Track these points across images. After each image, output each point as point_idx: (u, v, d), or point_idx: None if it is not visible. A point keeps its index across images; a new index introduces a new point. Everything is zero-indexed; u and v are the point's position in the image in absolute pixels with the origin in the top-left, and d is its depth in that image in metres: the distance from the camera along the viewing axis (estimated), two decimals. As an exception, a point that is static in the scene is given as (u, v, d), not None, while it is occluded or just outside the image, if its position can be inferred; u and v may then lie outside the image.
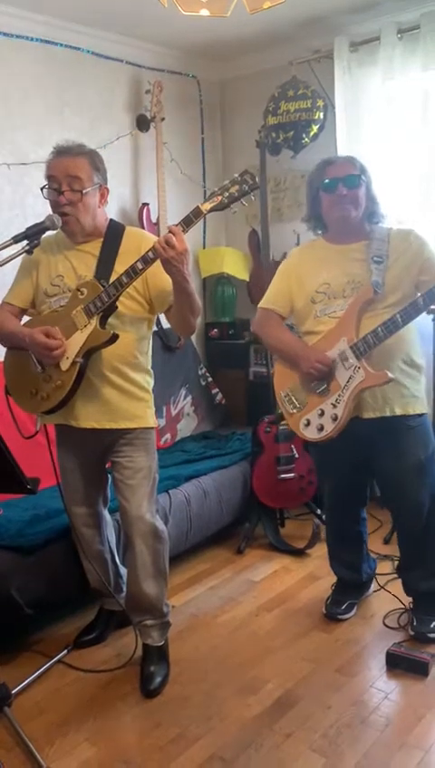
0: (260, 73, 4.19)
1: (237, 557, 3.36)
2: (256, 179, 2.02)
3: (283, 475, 3.41)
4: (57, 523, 2.65)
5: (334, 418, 2.36)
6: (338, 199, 2.37)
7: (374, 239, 2.39)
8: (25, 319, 2.38)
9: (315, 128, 3.77)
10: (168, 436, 3.88)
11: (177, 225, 2.02)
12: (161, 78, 3.99)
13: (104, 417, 2.26)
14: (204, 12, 2.46)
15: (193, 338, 4.37)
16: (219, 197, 2.02)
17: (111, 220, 2.31)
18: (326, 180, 2.38)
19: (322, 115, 3.76)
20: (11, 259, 2.15)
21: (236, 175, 2.02)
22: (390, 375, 2.25)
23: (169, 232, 1.99)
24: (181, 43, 4.00)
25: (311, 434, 2.44)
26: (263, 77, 4.13)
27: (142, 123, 3.98)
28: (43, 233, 2.17)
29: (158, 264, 2.05)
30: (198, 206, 2.02)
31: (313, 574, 3.12)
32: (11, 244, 2.10)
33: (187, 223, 2.03)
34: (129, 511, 2.33)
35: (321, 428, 2.41)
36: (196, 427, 4.09)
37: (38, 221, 2.18)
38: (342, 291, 2.39)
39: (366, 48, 3.61)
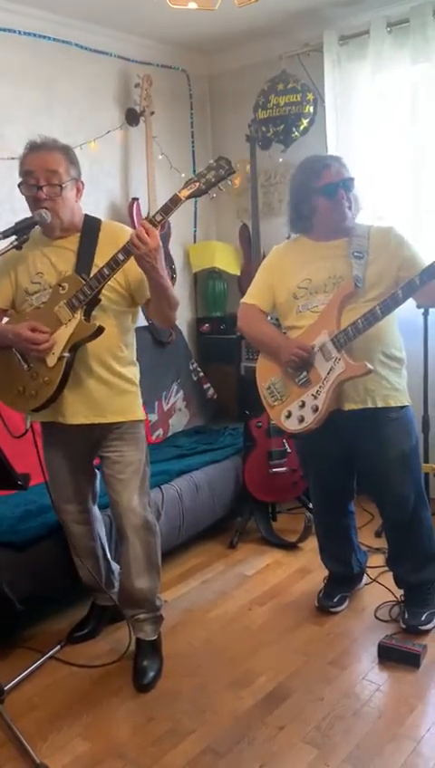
0: (249, 67, 4.18)
1: (230, 551, 3.36)
2: (232, 164, 2.02)
3: (275, 470, 3.42)
4: (49, 518, 2.64)
5: (315, 409, 2.38)
6: (338, 204, 2.37)
7: (355, 236, 2.41)
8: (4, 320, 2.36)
9: (305, 121, 3.77)
10: (160, 431, 3.88)
11: (151, 219, 2.02)
12: (150, 72, 3.97)
13: (92, 412, 2.26)
14: (192, 5, 2.46)
15: (184, 333, 4.37)
16: (197, 184, 2.01)
17: (85, 215, 2.30)
18: (325, 185, 2.37)
19: (312, 109, 3.75)
20: (0, 254, 2.14)
21: (212, 161, 2.03)
22: (369, 366, 2.28)
23: (142, 227, 1.99)
24: (170, 36, 3.98)
25: (292, 425, 2.46)
26: (252, 71, 4.12)
27: (132, 117, 3.97)
28: (33, 227, 2.16)
29: None
30: (176, 194, 2.01)
31: (305, 568, 3.13)
32: (0, 239, 2.09)
33: (165, 211, 2.02)
34: (120, 504, 2.33)
35: (301, 419, 2.42)
36: (188, 421, 4.09)
37: (27, 216, 2.17)
38: (323, 286, 2.41)
39: (355, 41, 3.61)
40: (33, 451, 2.35)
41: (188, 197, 2.02)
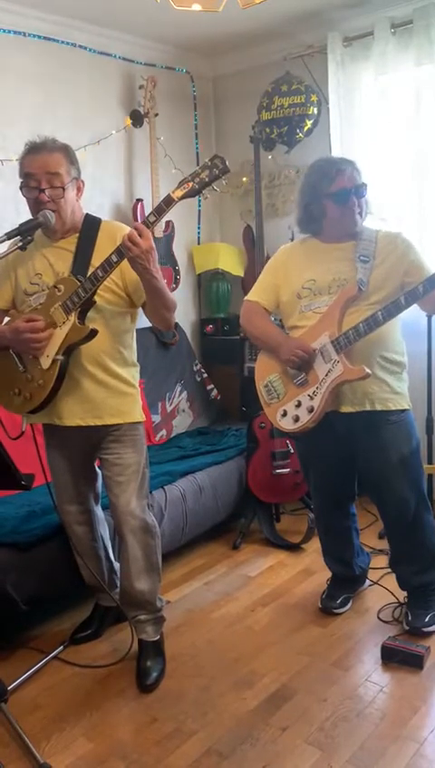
0: (253, 69, 4.19)
1: (233, 552, 3.36)
2: (227, 163, 1.99)
3: (278, 471, 3.42)
4: (53, 519, 2.64)
5: (310, 410, 2.38)
6: (350, 211, 2.37)
7: (362, 239, 2.41)
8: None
9: (309, 123, 3.77)
10: (163, 432, 3.88)
11: (144, 221, 2.01)
12: (154, 73, 3.98)
13: (89, 414, 2.25)
14: (196, 7, 2.47)
15: (188, 334, 4.38)
16: (190, 184, 1.99)
17: (86, 214, 2.29)
18: (339, 190, 2.36)
19: (315, 110, 3.76)
20: (4, 256, 2.15)
21: (207, 160, 2.00)
22: (367, 371, 2.28)
23: (135, 229, 1.98)
24: (174, 38, 3.99)
25: (287, 424, 2.46)
26: (256, 72, 4.13)
27: (136, 119, 3.98)
28: (37, 229, 2.17)
29: None
30: (169, 194, 2.00)
31: (308, 569, 3.13)
32: (4, 241, 2.10)
33: (159, 212, 2.00)
34: (118, 507, 2.33)
35: (297, 419, 2.42)
36: (191, 423, 4.10)
37: (30, 217, 2.17)
38: (327, 287, 2.41)
39: (359, 43, 3.61)
40: (34, 451, 2.35)
41: (182, 198, 2.00)
